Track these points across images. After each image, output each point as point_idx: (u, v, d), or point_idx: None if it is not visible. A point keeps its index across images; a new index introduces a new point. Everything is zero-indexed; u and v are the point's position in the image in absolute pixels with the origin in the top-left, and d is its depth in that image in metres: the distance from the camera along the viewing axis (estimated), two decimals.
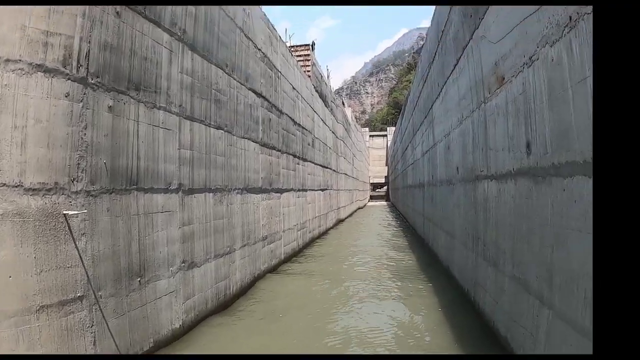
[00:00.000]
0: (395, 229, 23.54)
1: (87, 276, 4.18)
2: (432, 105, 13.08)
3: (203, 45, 6.98)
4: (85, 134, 4.22)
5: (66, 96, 4.00)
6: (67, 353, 3.89)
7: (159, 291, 5.51)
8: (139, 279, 5.07)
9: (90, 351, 4.17)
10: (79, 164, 4.14)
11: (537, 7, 4.49)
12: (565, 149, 3.99)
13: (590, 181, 3.47)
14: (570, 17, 3.72)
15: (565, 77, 3.94)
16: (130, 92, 4.98)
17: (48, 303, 3.79)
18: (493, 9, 6.11)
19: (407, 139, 25.22)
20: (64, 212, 3.96)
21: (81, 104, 4.16)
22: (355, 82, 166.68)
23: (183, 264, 6.18)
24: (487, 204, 6.86)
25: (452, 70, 9.35)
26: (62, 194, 3.97)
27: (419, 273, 10.90)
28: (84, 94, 4.21)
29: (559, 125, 4.16)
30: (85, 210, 4.18)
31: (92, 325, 4.23)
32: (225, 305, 7.73)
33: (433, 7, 11.57)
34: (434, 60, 11.98)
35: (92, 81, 4.33)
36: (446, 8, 9.47)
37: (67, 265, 3.97)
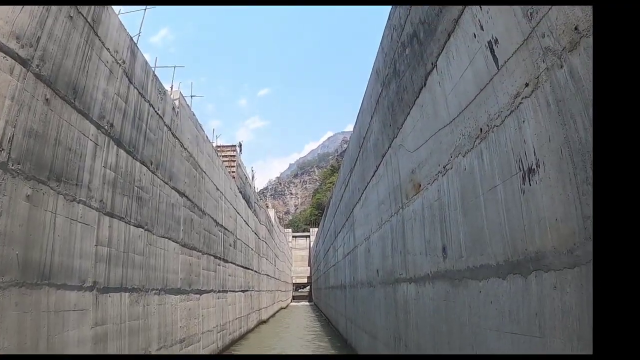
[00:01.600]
0: (317, 330, 22.93)
1: None
2: (352, 209, 13.44)
3: (129, 141, 6.92)
4: None
5: None
6: None
7: None
8: None
9: None
10: None
11: (450, 119, 4.90)
12: (479, 253, 4.18)
13: (504, 282, 3.66)
14: (481, 129, 4.10)
15: (477, 184, 4.23)
16: (50, 182, 4.74)
17: None
18: (409, 120, 6.58)
19: (329, 241, 25.52)
20: None
21: None
22: (280, 183, 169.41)
23: None
24: (407, 306, 6.91)
25: (372, 176, 9.72)
26: None
27: None
28: (3, 179, 3.94)
29: (472, 230, 4.38)
30: None
31: None
32: None
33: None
34: (355, 165, 12.49)
35: (13, 167, 4.09)
36: (367, 117, 10.08)
37: None
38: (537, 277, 3.19)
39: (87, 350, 5.42)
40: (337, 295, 20.55)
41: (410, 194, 6.65)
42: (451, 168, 4.92)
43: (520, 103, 3.38)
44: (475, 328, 4.29)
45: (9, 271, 4.01)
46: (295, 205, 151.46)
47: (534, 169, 3.24)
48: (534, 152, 3.23)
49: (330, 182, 78.95)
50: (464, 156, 4.52)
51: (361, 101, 11.35)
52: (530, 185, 3.30)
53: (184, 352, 9.92)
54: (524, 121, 3.37)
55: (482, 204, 4.13)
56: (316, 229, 64.98)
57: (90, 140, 5.68)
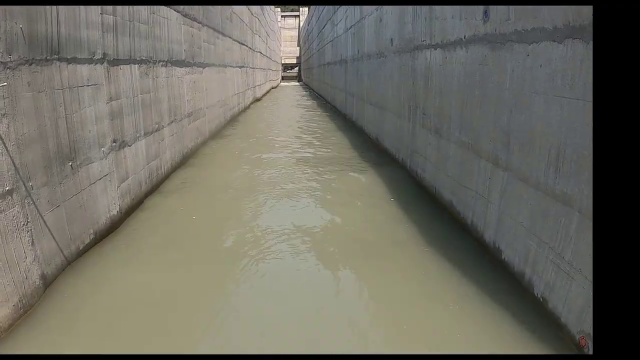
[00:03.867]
0: (313, 107, 23.45)
1: (14, 165, 3.51)
2: None
3: None
4: None
5: None
6: (3, 258, 3.35)
7: (92, 176, 4.95)
8: (70, 164, 4.45)
9: (29, 253, 3.67)
10: None
11: None
12: (532, 16, 3.89)
13: (560, 46, 3.46)
14: None
15: None
16: None
17: None
18: None
19: (326, 16, 24.25)
20: None
21: None
22: None
23: (114, 144, 5.59)
24: (429, 73, 6.79)
25: None
26: None
27: (348, 144, 10.97)
28: None
29: None
30: (5, 83, 3.39)
31: (27, 222, 3.67)
32: (157, 185, 7.40)
33: None
34: None
35: None
36: None
37: None
38: None
39: (105, 127, 5.32)
40: (335, 71, 20.40)
41: None
42: None
43: None
44: (518, 92, 4.19)
45: (16, 48, 3.57)
46: None
47: None
48: None
49: None
50: None
51: None
52: None
53: (191, 127, 10.14)
54: None
55: None
56: (305, 9, 62.52)
57: None
